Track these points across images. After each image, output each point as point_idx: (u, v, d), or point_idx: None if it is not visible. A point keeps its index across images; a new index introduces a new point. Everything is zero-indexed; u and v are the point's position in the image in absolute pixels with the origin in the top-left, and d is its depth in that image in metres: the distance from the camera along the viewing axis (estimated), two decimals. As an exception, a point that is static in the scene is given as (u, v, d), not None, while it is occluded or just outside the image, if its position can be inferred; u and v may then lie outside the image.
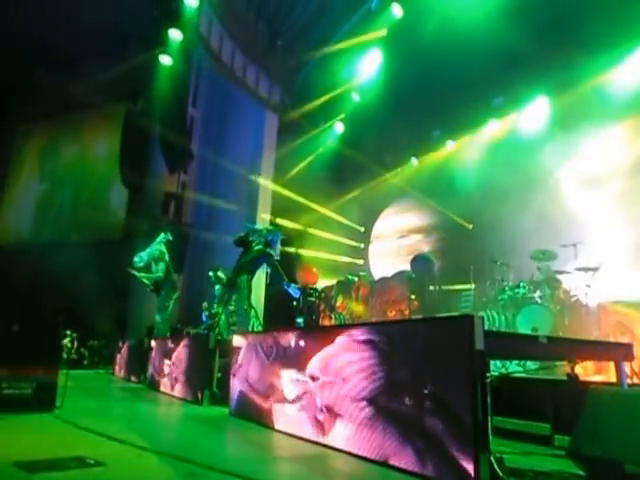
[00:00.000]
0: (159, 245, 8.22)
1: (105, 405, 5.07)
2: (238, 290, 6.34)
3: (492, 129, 10.42)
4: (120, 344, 9.25)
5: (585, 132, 8.44)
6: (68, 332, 9.86)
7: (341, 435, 3.01)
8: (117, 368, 9.30)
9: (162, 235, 8.34)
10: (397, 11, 9.73)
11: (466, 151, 10.95)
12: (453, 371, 2.42)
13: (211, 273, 8.34)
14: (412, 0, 9.44)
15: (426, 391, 2.52)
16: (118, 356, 9.33)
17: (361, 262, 14.14)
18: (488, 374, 2.44)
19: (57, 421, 3.70)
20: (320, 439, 3.17)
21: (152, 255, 8.08)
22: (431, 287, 8.77)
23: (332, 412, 3.13)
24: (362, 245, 14.55)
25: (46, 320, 4.19)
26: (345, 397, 3.03)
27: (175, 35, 10.43)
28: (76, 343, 10.86)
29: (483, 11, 8.08)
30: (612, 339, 5.57)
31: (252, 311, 6.41)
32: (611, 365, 3.46)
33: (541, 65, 8.10)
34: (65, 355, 9.00)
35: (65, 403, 4.12)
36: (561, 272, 6.87)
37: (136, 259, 8.04)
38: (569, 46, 7.48)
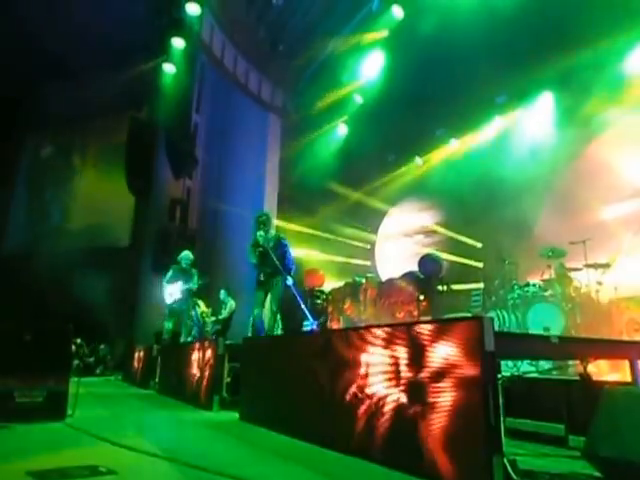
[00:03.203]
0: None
1: (116, 412, 5.07)
2: (272, 291, 5.89)
3: (497, 126, 10.36)
4: (129, 351, 9.28)
5: (592, 124, 8.37)
6: (78, 340, 9.92)
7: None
8: (126, 375, 9.34)
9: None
10: (398, 12, 9.72)
11: (471, 149, 10.89)
12: (464, 373, 2.39)
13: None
14: (412, 1, 9.43)
15: (436, 393, 2.50)
16: (127, 363, 9.37)
17: (368, 263, 14.11)
18: (499, 375, 2.41)
19: (69, 429, 3.71)
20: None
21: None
22: (440, 287, 8.71)
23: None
24: (368, 246, 14.52)
25: (57, 328, 4.21)
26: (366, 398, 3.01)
27: (178, 43, 10.52)
28: (86, 350, 10.92)
29: (482, 9, 8.06)
30: (625, 336, 5.50)
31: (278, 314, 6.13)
32: (625, 363, 3.41)
33: (544, 60, 8.04)
34: (75, 363, 9.05)
35: (76, 411, 4.14)
36: (572, 269, 6.79)
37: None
38: (571, 41, 7.43)
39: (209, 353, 5.41)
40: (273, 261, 5.76)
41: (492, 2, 7.82)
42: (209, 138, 13.22)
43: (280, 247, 5.97)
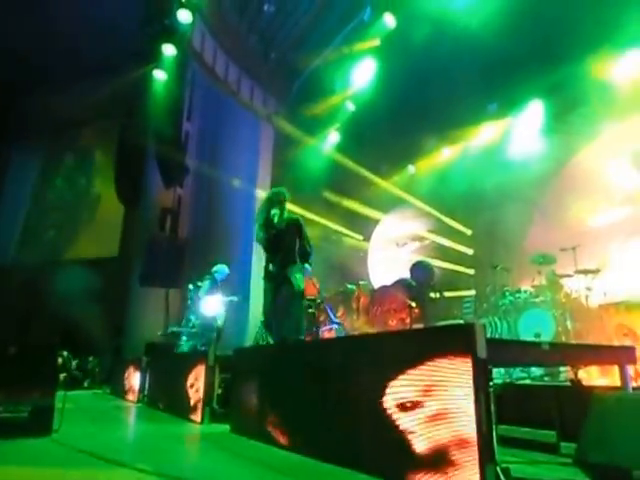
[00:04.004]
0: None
1: (103, 427, 4.98)
2: (288, 285, 4.74)
3: (488, 134, 10.45)
4: (118, 363, 9.15)
5: (580, 134, 8.47)
6: (65, 353, 9.76)
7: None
8: (115, 387, 9.20)
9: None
10: (390, 21, 9.79)
11: (462, 157, 10.97)
12: (456, 380, 2.38)
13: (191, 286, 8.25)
14: (404, 10, 9.52)
15: (428, 402, 2.48)
16: (116, 375, 9.23)
17: (361, 270, 14.08)
18: (491, 382, 2.40)
19: (54, 445, 3.63)
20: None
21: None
22: (432, 294, 8.72)
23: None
24: (362, 254, 14.51)
25: (42, 342, 4.14)
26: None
27: (169, 50, 10.50)
28: (73, 363, 10.76)
29: (474, 19, 8.15)
30: (615, 341, 5.52)
31: None
32: (615, 368, 3.42)
33: (534, 69, 8.14)
34: (62, 376, 8.89)
35: (63, 426, 4.04)
36: (562, 276, 6.83)
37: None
38: (561, 48, 7.53)
39: (199, 364, 5.34)
40: (289, 246, 4.82)
41: (483, 11, 7.91)
42: (200, 146, 13.19)
43: (297, 230, 4.98)
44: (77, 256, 13.06)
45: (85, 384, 10.84)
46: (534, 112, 9.46)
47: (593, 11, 7.09)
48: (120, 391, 8.77)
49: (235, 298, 7.95)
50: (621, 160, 8.06)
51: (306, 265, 4.95)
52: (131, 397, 7.83)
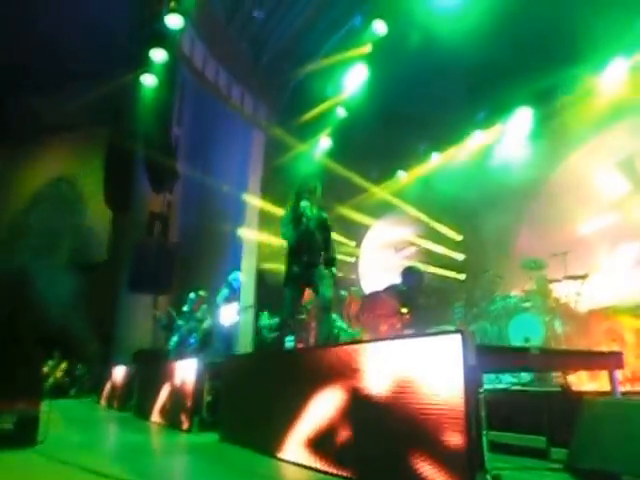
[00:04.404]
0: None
1: (90, 437, 4.89)
2: (321, 286, 4.30)
3: (478, 141, 10.53)
4: (106, 371, 9.03)
5: (568, 141, 8.57)
6: (50, 362, 9.60)
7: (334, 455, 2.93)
8: (103, 396, 9.06)
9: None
10: (381, 28, 9.85)
11: (452, 163, 11.03)
12: (446, 387, 2.37)
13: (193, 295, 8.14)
14: (395, 17, 9.58)
15: (418, 409, 2.46)
16: (104, 383, 9.10)
17: (352, 277, 14.07)
18: (481, 389, 2.40)
19: (40, 457, 3.55)
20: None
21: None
22: (422, 300, 8.73)
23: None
24: (353, 260, 14.50)
25: (26, 350, 4.05)
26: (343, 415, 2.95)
27: (158, 55, 10.44)
28: (60, 371, 10.59)
29: (465, 26, 8.22)
30: (604, 345, 5.56)
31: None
32: (604, 372, 3.44)
33: (522, 77, 8.23)
34: (48, 384, 8.74)
35: (49, 436, 3.96)
36: (552, 281, 6.88)
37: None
38: (549, 58, 7.62)
39: (189, 371, 5.28)
40: (316, 247, 4.33)
41: (472, 19, 7.99)
42: (191, 151, 13.14)
43: (325, 230, 4.51)
44: (64, 260, 12.89)
45: (72, 392, 10.67)
46: (522, 119, 9.55)
47: (580, 20, 7.19)
48: (107, 399, 8.65)
49: (251, 306, 7.78)
50: (607, 168, 8.16)
51: (333, 269, 4.45)
52: (118, 405, 7.73)
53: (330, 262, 4.45)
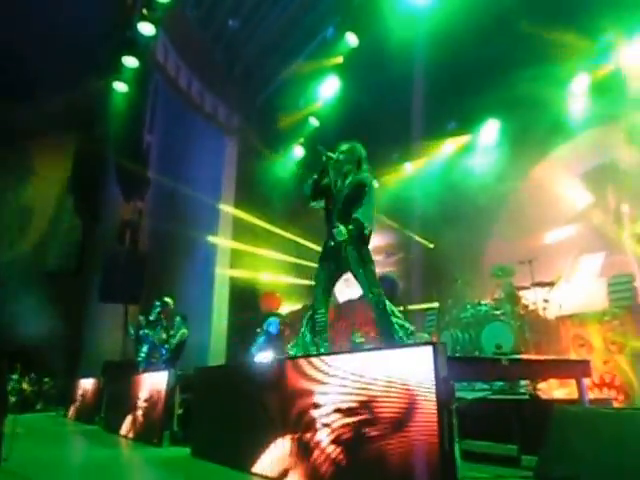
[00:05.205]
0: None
1: (57, 453, 4.71)
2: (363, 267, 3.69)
3: (448, 151, 10.74)
4: (73, 384, 8.73)
5: (535, 151, 8.83)
6: (14, 376, 9.21)
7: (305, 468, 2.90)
8: (70, 409, 8.76)
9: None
10: (352, 40, 9.98)
11: (424, 172, 11.22)
12: (419, 399, 2.38)
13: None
14: (366, 30, 9.73)
15: (390, 421, 2.47)
16: (71, 397, 8.80)
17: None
18: (454, 399, 2.42)
19: (4, 475, 3.39)
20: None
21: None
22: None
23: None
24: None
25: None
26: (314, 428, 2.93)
27: (130, 62, 10.28)
28: (25, 385, 10.18)
29: (434, 38, 8.42)
30: (572, 352, 5.71)
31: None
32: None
33: (490, 88, 8.45)
34: (13, 399, 8.37)
35: (13, 453, 3.79)
36: (520, 288, 7.03)
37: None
38: (516, 69, 7.85)
39: (159, 384, 5.16)
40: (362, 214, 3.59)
41: (443, 31, 8.18)
42: (162, 158, 12.95)
43: (363, 196, 3.77)
44: (32, 271, 12.45)
45: (38, 406, 10.28)
46: (491, 130, 9.81)
47: (547, 35, 7.47)
48: (75, 413, 8.37)
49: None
50: (573, 179, 8.45)
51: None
52: (86, 419, 7.48)
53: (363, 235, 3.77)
